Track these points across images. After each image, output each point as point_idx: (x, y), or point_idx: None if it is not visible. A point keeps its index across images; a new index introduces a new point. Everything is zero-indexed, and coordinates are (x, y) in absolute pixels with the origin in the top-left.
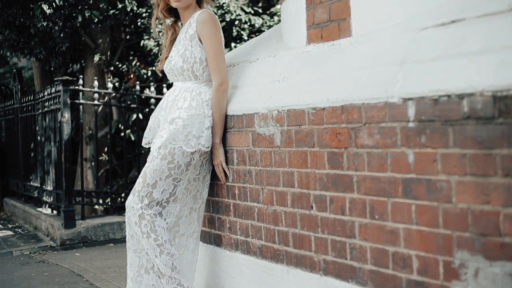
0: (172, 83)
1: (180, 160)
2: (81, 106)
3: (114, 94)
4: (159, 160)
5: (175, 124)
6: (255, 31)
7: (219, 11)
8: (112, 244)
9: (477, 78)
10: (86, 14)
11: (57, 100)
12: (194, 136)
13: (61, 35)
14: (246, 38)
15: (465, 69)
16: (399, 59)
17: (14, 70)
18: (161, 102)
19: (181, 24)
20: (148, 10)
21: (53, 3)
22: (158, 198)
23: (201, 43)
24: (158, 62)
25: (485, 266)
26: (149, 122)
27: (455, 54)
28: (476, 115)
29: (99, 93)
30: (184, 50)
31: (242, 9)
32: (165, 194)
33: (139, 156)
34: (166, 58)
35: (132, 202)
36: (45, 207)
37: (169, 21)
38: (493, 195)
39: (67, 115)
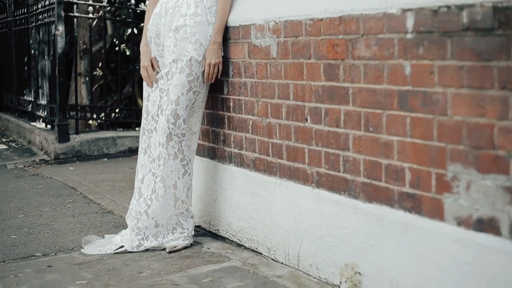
0: None
1: (197, 71)
2: (75, 20)
3: (108, 8)
4: (178, 75)
5: (183, 32)
6: None
7: None
8: (106, 159)
9: None
10: None
11: (51, 13)
12: (201, 44)
13: None
14: None
15: None
16: None
17: None
18: (157, 9)
19: None
20: None
21: None
22: (182, 114)
23: None
24: None
25: (477, 179)
26: (148, 32)
27: None
28: (475, 27)
29: (93, 6)
30: None
31: None
32: (188, 109)
33: (133, 71)
34: None
35: (160, 122)
36: (39, 121)
37: None
38: (488, 107)
39: (61, 28)
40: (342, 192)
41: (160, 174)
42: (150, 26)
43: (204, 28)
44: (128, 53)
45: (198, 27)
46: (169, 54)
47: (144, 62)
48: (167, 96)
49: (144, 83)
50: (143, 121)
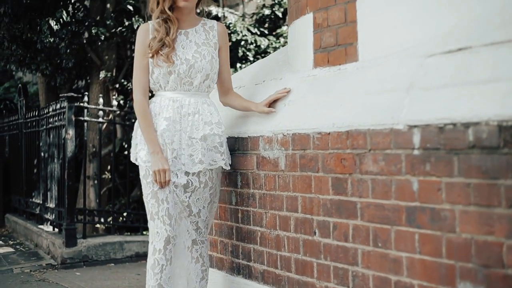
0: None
1: (216, 183)
2: (85, 123)
3: (118, 112)
4: (202, 189)
5: (211, 142)
6: (261, 52)
7: None
8: (112, 264)
9: (483, 107)
10: (93, 31)
11: (61, 116)
12: (228, 154)
13: (68, 51)
14: (251, 59)
15: (471, 97)
16: (405, 85)
17: (19, 85)
18: (169, 114)
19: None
20: None
21: (60, 19)
22: (202, 226)
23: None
24: (161, 53)
25: None
26: (162, 138)
27: (461, 82)
28: (481, 145)
29: (103, 110)
30: (211, 58)
31: (248, 30)
32: (207, 220)
33: None
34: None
35: (186, 226)
36: (46, 224)
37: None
38: (496, 226)
39: (71, 132)
40: None
41: (185, 275)
42: (165, 131)
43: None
44: None
45: (224, 136)
46: (192, 164)
47: (164, 165)
48: (188, 208)
49: (157, 187)
50: (167, 227)
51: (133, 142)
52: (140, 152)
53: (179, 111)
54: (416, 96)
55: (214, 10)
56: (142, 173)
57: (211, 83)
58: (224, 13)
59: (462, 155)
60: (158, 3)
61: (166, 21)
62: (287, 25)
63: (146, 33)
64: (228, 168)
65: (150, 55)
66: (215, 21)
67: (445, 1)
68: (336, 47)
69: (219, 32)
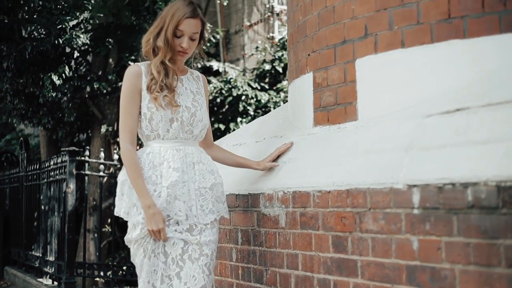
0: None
1: (218, 228)
2: (86, 177)
3: (119, 166)
4: (210, 230)
5: (216, 191)
6: (261, 107)
7: (226, 86)
8: None
9: (482, 167)
10: (95, 86)
11: (62, 170)
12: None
13: (70, 105)
14: (252, 113)
15: (470, 158)
16: (404, 145)
17: (21, 138)
18: (177, 165)
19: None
20: None
21: (63, 74)
22: (212, 270)
23: None
24: (165, 94)
25: None
26: (170, 189)
27: (460, 142)
28: (480, 205)
29: (104, 164)
30: (205, 108)
31: (249, 85)
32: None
33: None
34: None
35: (190, 270)
36: (46, 277)
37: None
38: (496, 285)
39: (72, 185)
40: None
41: None
42: (178, 183)
43: None
44: None
45: (223, 185)
46: (204, 215)
47: (158, 224)
48: (199, 246)
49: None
50: (161, 265)
51: (121, 196)
52: (139, 209)
53: (184, 161)
54: (415, 155)
55: (215, 65)
56: (137, 232)
57: (204, 133)
58: (225, 68)
59: (461, 215)
60: (154, 51)
61: (163, 63)
62: (287, 80)
63: (138, 76)
64: (227, 216)
65: (153, 96)
66: (197, 71)
67: (443, 62)
68: (336, 106)
69: (204, 83)
